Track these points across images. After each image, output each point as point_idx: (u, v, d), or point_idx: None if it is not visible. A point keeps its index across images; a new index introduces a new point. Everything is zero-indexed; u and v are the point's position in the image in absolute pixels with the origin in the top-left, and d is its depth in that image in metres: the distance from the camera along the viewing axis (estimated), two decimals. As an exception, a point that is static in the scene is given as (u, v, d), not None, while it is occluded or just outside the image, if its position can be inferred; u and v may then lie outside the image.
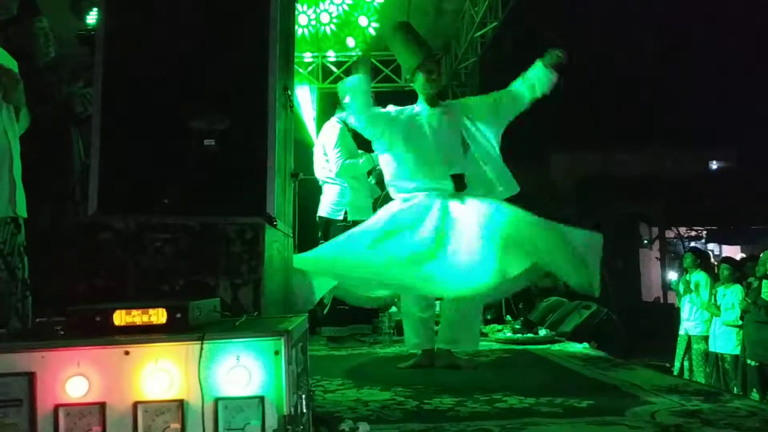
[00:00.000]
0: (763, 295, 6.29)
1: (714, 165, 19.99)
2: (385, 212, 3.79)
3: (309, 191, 5.70)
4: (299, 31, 8.18)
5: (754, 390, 6.42)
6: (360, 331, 5.40)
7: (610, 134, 17.69)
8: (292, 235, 3.24)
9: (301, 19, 8.13)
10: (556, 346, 4.89)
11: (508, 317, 6.60)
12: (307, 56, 9.10)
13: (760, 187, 16.34)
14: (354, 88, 3.80)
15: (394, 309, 5.72)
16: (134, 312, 1.59)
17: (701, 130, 18.11)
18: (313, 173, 5.31)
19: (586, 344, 5.02)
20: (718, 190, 17.37)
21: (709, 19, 17.42)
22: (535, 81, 3.65)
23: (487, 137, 3.74)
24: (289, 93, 3.15)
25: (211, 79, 2.53)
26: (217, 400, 1.47)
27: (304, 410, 1.59)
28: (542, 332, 5.41)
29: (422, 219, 3.53)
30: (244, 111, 2.53)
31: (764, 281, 6.30)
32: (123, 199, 2.43)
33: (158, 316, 1.58)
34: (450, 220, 3.50)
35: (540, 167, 16.99)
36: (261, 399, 1.46)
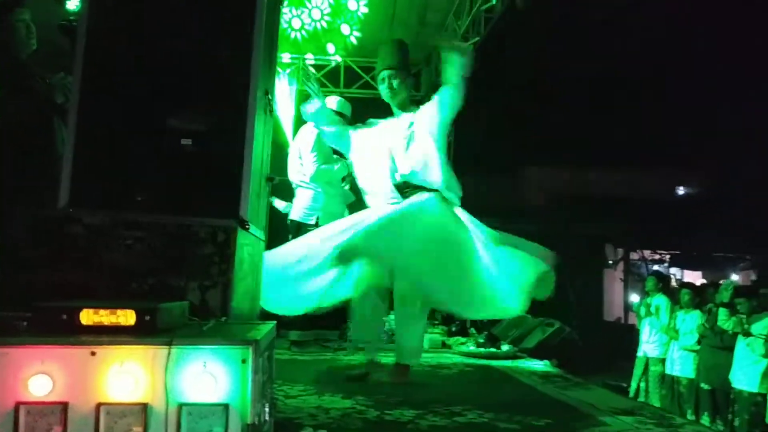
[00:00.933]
0: (719, 323, 6.44)
1: (681, 191, 20.40)
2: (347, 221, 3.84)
3: (282, 194, 5.70)
4: (292, 35, 8.17)
5: (706, 413, 6.58)
6: (325, 337, 5.40)
7: (581, 154, 17.98)
8: (264, 239, 3.23)
9: (295, 23, 8.12)
10: (518, 362, 4.95)
11: (473, 330, 6.66)
12: (287, 57, 9.07)
13: (724, 216, 16.76)
14: (316, 115, 4.07)
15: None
16: (102, 312, 1.58)
17: (670, 155, 18.52)
18: (287, 175, 5.30)
19: (546, 362, 5.09)
20: (683, 215, 17.76)
21: (682, 48, 17.86)
22: (453, 71, 3.69)
23: (434, 139, 3.78)
24: (270, 96, 3.15)
25: (192, 78, 2.52)
26: (181, 406, 1.47)
27: (267, 418, 1.60)
28: (505, 347, 5.47)
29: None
30: (224, 112, 2.52)
31: (721, 309, 6.46)
32: (95, 193, 2.40)
33: (126, 317, 1.58)
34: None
35: (511, 183, 17.18)
36: (225, 407, 1.46)
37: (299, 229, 4.96)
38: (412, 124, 3.84)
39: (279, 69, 8.37)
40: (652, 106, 18.25)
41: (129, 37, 2.51)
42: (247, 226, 2.56)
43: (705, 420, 6.53)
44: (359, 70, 9.20)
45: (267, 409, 1.57)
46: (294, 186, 5.27)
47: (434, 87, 9.24)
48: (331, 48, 8.52)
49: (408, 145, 3.79)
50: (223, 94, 2.54)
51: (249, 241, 2.73)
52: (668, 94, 18.30)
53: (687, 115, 17.98)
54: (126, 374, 1.46)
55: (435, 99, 3.81)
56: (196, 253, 2.38)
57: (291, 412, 2.94)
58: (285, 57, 8.84)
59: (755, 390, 5.89)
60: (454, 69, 3.69)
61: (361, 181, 3.99)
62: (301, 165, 5.12)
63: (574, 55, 16.68)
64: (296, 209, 5.18)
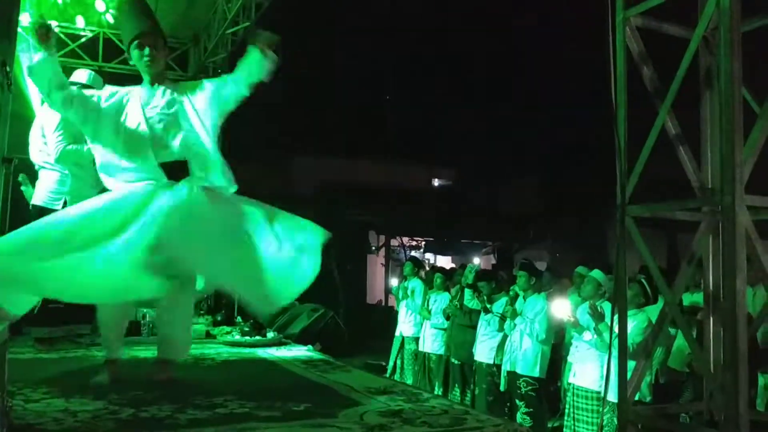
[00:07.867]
0: (465, 302, 7.16)
1: (436, 183, 22.21)
2: (93, 204, 3.33)
3: (26, 175, 5.10)
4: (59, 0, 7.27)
5: (456, 386, 7.28)
6: (78, 332, 4.97)
7: (351, 145, 18.78)
8: (-1, 227, 2.88)
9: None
10: (283, 349, 5.03)
11: (239, 319, 6.61)
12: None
13: (470, 206, 18.72)
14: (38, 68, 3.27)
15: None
16: None
17: (428, 150, 20.16)
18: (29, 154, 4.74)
19: (310, 346, 5.25)
20: (438, 205, 19.43)
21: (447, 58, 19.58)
22: (251, 67, 3.50)
23: (204, 124, 3.52)
24: (9, 69, 2.81)
25: None
26: None
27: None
28: (270, 334, 5.52)
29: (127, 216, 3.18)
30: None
31: (467, 289, 7.19)
32: None
33: None
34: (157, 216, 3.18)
35: (282, 170, 17.32)
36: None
37: (43, 215, 4.44)
38: (175, 101, 3.51)
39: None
40: (418, 103, 19.77)
41: None
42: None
43: (456, 392, 7.20)
44: (120, 44, 8.54)
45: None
46: (37, 167, 4.72)
47: (203, 68, 9.00)
48: (100, 5, 7.73)
49: (173, 125, 3.47)
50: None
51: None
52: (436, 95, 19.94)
53: (445, 115, 19.77)
54: None
55: (213, 86, 3.56)
56: None
57: (32, 417, 2.69)
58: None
59: (491, 362, 6.66)
60: (257, 72, 3.48)
61: (104, 156, 3.48)
62: (44, 144, 4.59)
63: (346, 45, 17.30)
64: (39, 193, 4.63)
